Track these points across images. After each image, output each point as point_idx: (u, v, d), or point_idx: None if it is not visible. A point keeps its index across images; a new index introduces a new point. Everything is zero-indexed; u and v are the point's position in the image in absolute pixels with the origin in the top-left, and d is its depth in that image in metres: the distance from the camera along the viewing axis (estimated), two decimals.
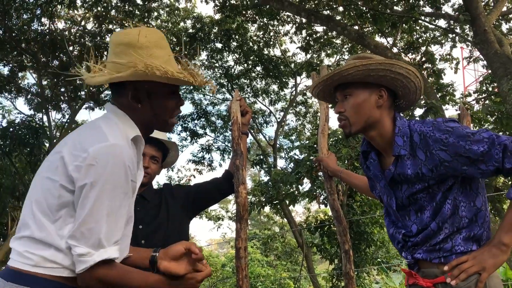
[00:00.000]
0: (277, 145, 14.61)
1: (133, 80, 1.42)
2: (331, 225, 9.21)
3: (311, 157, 6.10)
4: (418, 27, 9.75)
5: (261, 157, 13.94)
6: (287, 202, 7.72)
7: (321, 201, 7.13)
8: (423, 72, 8.07)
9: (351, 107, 1.70)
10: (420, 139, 1.61)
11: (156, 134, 2.27)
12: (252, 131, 14.90)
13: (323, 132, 2.52)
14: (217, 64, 13.86)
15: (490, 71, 9.64)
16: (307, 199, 7.21)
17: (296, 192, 6.81)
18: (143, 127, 1.50)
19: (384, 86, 1.69)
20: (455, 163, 1.53)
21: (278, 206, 10.14)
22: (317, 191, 6.73)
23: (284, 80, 13.47)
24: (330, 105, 2.60)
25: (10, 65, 11.65)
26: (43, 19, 10.83)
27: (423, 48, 9.91)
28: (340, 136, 6.12)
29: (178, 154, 2.48)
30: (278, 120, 15.11)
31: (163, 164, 2.42)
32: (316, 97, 1.90)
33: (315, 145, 6.25)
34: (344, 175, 2.38)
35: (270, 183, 7.00)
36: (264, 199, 7.55)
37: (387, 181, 1.73)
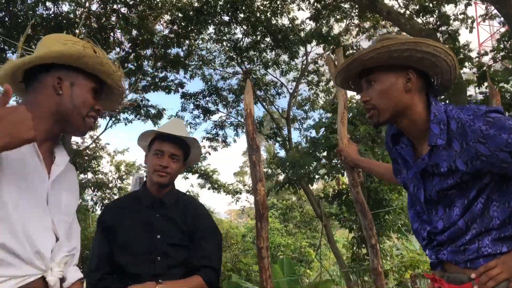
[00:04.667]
0: (291, 116, 14.48)
1: (58, 69, 1.42)
2: (349, 194, 9.15)
3: (328, 138, 5.95)
4: None
5: (275, 130, 13.82)
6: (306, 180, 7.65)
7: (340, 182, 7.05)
8: (438, 36, 7.76)
9: (377, 94, 1.55)
10: (457, 127, 1.44)
11: (176, 130, 2.12)
12: (264, 104, 14.75)
13: (342, 121, 2.41)
14: (225, 38, 13.62)
15: (507, 28, 9.26)
16: (326, 177, 7.12)
17: (314, 174, 6.73)
18: (58, 118, 1.43)
19: (412, 67, 1.54)
20: (494, 158, 1.36)
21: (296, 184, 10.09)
22: (336, 175, 6.58)
23: (294, 49, 13.19)
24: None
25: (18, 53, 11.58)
26: (47, 3, 10.68)
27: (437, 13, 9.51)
28: (356, 111, 5.93)
29: (200, 151, 2.33)
30: (291, 91, 14.90)
31: (186, 162, 2.23)
32: (341, 87, 1.76)
33: (332, 124, 6.06)
34: (365, 164, 2.29)
35: (287, 163, 6.91)
36: (281, 178, 7.53)
37: (418, 171, 1.59)
